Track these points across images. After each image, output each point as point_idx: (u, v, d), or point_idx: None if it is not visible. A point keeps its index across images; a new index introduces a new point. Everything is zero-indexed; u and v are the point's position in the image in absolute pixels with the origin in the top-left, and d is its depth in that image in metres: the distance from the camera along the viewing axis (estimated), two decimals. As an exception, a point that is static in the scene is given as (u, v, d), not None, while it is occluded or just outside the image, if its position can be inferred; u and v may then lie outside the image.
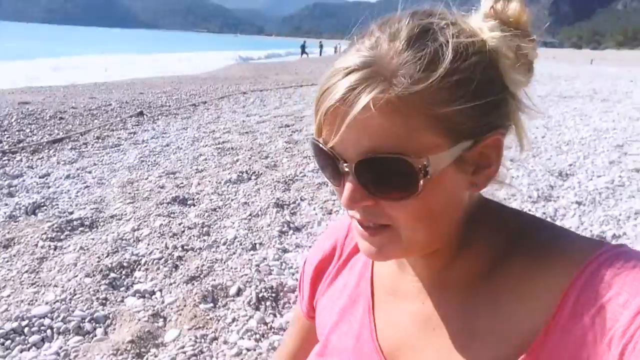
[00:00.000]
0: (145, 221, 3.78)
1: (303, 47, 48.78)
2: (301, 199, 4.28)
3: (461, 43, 0.60)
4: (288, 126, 8.10)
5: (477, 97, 0.59)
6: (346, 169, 0.62)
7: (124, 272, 3.01)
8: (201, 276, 2.96)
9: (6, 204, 4.40)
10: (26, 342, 2.37)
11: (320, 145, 0.64)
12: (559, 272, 0.61)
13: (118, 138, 7.44)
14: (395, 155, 0.58)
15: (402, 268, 0.77)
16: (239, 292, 2.78)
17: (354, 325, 0.82)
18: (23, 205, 4.28)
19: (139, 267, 3.08)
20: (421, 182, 0.59)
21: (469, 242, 0.70)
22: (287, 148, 6.31)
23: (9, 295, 2.76)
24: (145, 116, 9.23)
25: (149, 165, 5.69)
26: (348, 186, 0.62)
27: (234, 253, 3.28)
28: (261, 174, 5.11)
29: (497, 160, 0.64)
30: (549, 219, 4.05)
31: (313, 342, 0.97)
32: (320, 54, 52.41)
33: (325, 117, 0.61)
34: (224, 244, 3.40)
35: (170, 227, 3.64)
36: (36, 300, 2.67)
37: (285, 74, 21.75)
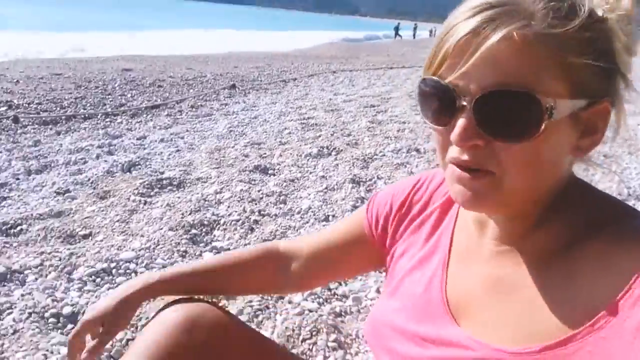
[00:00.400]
0: (227, 185, 3.99)
1: (397, 29, 48.09)
2: (378, 177, 4.34)
3: (593, 8, 0.63)
4: (373, 106, 8.13)
5: (602, 59, 0.62)
6: (464, 104, 0.62)
7: (204, 230, 3.22)
8: (274, 240, 3.12)
9: (105, 161, 4.79)
10: (113, 281, 2.62)
11: (437, 80, 0.65)
12: (635, 260, 0.60)
13: (210, 108, 7.78)
14: (525, 90, 0.59)
15: (483, 231, 0.78)
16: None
17: (426, 274, 0.85)
18: (120, 163, 4.63)
19: (218, 226, 3.28)
20: (544, 124, 0.60)
21: (553, 214, 0.71)
22: (369, 127, 6.37)
23: (101, 240, 3.04)
24: (237, 89, 9.56)
25: (236, 135, 5.94)
26: (462, 122, 0.62)
27: (307, 222, 3.40)
28: (341, 150, 5.21)
29: (603, 129, 0.66)
30: None
31: (356, 253, 1.05)
32: (414, 37, 51.48)
33: (452, 51, 0.62)
34: (299, 212, 3.54)
35: (250, 193, 3.83)
36: (124, 247, 2.93)
37: (377, 55, 21.62)
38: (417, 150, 5.25)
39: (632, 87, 0.68)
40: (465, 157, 0.65)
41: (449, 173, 0.69)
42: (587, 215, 0.69)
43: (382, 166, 4.69)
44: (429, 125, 0.70)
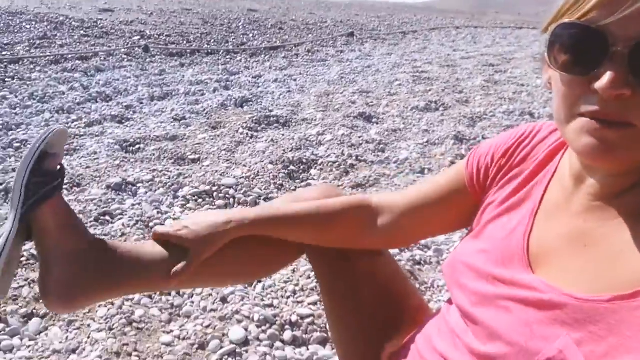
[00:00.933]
0: (330, 129, 4.08)
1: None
2: (483, 137, 4.22)
3: None
4: (492, 66, 7.79)
5: None
6: (619, 49, 0.59)
7: (302, 167, 3.35)
8: (366, 185, 3.18)
9: (221, 95, 5.05)
10: (213, 204, 2.82)
11: (585, 24, 0.62)
12: None
13: (326, 54, 7.87)
14: None
15: (578, 186, 0.76)
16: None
17: (513, 221, 0.84)
18: (234, 98, 4.87)
19: (315, 165, 3.39)
20: None
21: None
22: (484, 87, 6.14)
23: (208, 165, 3.27)
24: (355, 37, 9.55)
25: (346, 82, 5.99)
26: (614, 71, 0.59)
27: (402, 172, 3.42)
28: (450, 106, 5.09)
29: None
30: None
31: (455, 200, 1.00)
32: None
33: None
34: (395, 162, 3.56)
35: (351, 138, 3.89)
36: (227, 174, 3.13)
37: (507, 14, 20.43)
38: (531, 115, 5.01)
39: None
40: (607, 107, 0.61)
41: (578, 125, 0.65)
42: None
43: (489, 126, 4.54)
44: (562, 75, 0.67)
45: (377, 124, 4.42)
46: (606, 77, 0.59)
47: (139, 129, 3.97)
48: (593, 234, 0.70)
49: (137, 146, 3.56)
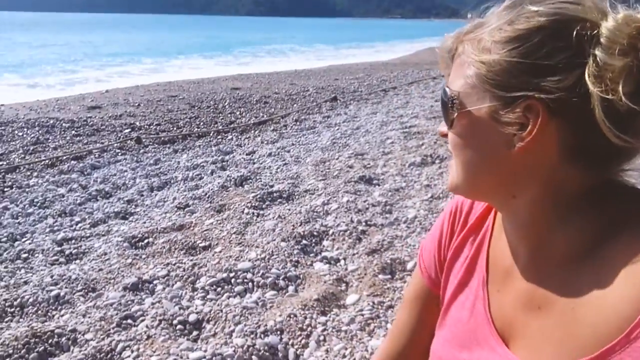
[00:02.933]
0: (334, 197, 4.11)
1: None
2: (485, 184, 4.26)
3: (535, 10, 0.65)
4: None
5: (525, 56, 0.66)
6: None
7: (314, 240, 3.34)
8: (381, 250, 3.17)
9: (219, 176, 5.09)
10: (232, 290, 2.79)
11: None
12: None
13: (314, 121, 8.00)
14: (445, 87, 0.75)
15: (514, 245, 0.78)
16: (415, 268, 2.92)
17: (469, 297, 0.85)
18: (233, 178, 4.90)
19: (327, 236, 3.39)
20: (450, 113, 0.73)
21: (567, 217, 0.69)
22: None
23: (220, 251, 3.25)
24: (338, 101, 9.75)
25: (339, 147, 6.07)
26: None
27: (413, 232, 3.42)
28: (445, 158, 5.16)
29: (533, 127, 0.65)
30: None
31: (434, 315, 0.99)
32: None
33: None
34: (405, 222, 3.57)
35: (356, 204, 3.91)
36: (241, 257, 3.11)
37: (479, 58, 21.04)
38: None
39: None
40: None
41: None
42: (614, 212, 0.67)
43: (489, 173, 4.59)
44: None
45: (379, 185, 4.45)
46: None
47: (144, 222, 3.96)
48: (539, 294, 0.71)
49: (146, 241, 3.55)
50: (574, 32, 0.63)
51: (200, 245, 3.40)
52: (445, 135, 0.78)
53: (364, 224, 3.53)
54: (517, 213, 0.74)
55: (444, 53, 0.77)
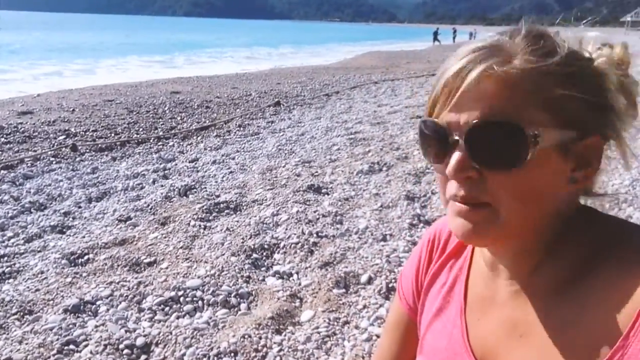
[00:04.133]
0: (283, 207, 4.03)
1: (436, 34, 47.63)
2: (432, 193, 4.30)
3: (576, 48, 0.70)
4: (419, 117, 7.97)
5: (586, 93, 0.66)
6: (456, 138, 0.66)
7: (264, 254, 3.26)
8: (334, 262, 3.12)
9: (162, 186, 4.91)
10: (181, 310, 2.67)
11: (432, 120, 0.70)
12: None
13: (257, 127, 7.89)
14: (509, 121, 0.63)
15: (495, 272, 0.79)
16: (369, 281, 2.90)
17: (447, 326, 0.86)
18: (176, 187, 4.74)
19: (278, 249, 3.31)
20: (530, 151, 0.63)
21: (560, 244, 0.71)
22: (418, 140, 6.32)
23: (167, 267, 3.12)
24: (282, 106, 9.67)
25: (285, 154, 6.00)
26: (455, 155, 0.66)
27: (365, 242, 3.40)
28: (392, 165, 5.19)
29: (597, 162, 0.69)
30: None
31: (414, 341, 1.00)
32: (454, 41, 50.87)
33: (441, 91, 0.69)
34: (356, 233, 3.54)
35: (306, 214, 3.85)
36: (190, 274, 2.99)
37: (417, 63, 21.49)
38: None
39: (629, 127, 0.71)
40: (461, 191, 0.67)
41: (451, 209, 0.71)
42: (593, 242, 0.69)
43: (434, 180, 4.64)
44: (433, 165, 0.74)
45: (328, 194, 4.42)
46: (451, 163, 0.67)
47: (84, 237, 3.75)
48: (522, 322, 0.72)
49: (86, 257, 3.35)
50: (599, 73, 0.69)
51: (145, 261, 3.24)
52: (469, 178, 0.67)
53: (315, 235, 3.48)
54: (516, 247, 0.73)
55: (463, 82, 0.66)
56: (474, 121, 0.64)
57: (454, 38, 52.92)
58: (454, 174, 0.67)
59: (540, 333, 0.69)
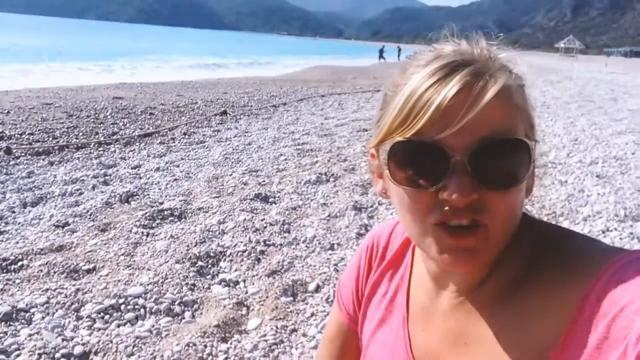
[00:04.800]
0: (230, 215, 3.97)
1: (381, 51, 48.59)
2: (379, 203, 4.34)
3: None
4: (366, 130, 8.17)
5: (533, 108, 0.69)
6: (458, 159, 0.62)
7: (210, 262, 3.19)
8: (282, 271, 3.09)
9: (102, 192, 4.74)
10: (122, 318, 2.57)
11: (422, 140, 0.63)
12: (579, 281, 0.61)
13: (203, 135, 7.77)
14: (513, 137, 0.63)
15: (440, 284, 0.78)
16: (317, 289, 2.88)
17: (389, 337, 0.85)
18: (118, 194, 4.59)
19: (224, 257, 3.25)
20: (532, 165, 0.65)
21: (504, 254, 0.70)
22: (365, 152, 6.38)
23: (107, 275, 3.00)
24: (228, 115, 9.57)
25: (232, 162, 5.93)
26: (459, 179, 0.62)
27: (313, 251, 3.38)
28: (339, 176, 5.21)
29: (534, 168, 0.70)
30: (636, 240, 3.90)
31: (354, 353, 0.99)
32: (399, 59, 52.00)
33: (442, 110, 0.61)
34: (304, 242, 3.52)
35: (253, 223, 3.80)
36: (131, 281, 2.88)
37: (363, 78, 21.81)
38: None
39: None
40: (459, 213, 0.63)
41: (436, 238, 0.66)
42: (533, 249, 0.69)
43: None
44: (406, 190, 0.67)
45: (275, 203, 4.38)
46: (455, 187, 0.61)
47: (17, 242, 3.56)
48: (467, 333, 0.72)
49: (20, 263, 3.18)
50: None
51: (83, 268, 3.10)
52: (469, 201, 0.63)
53: (262, 243, 3.44)
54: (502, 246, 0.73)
55: (463, 103, 0.62)
56: (480, 140, 0.61)
57: (398, 56, 54.04)
58: (460, 197, 0.61)
59: (485, 339, 0.69)
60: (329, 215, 4.00)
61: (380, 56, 47.78)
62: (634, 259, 0.60)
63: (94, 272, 3.07)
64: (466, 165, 0.62)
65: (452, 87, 0.61)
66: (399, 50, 56.55)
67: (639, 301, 0.54)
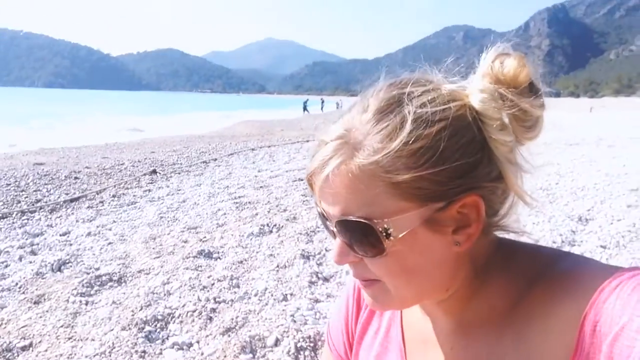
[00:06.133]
0: (174, 275, 3.79)
1: (305, 104, 49.67)
2: (326, 250, 4.30)
3: (426, 112, 0.62)
4: (301, 180, 8.18)
5: (442, 162, 0.60)
6: (332, 228, 0.67)
7: (159, 325, 3.00)
8: (237, 327, 2.95)
9: (30, 262, 4.42)
10: (68, 397, 2.34)
11: (316, 204, 0.71)
12: (576, 300, 0.60)
13: (134, 196, 7.51)
14: (359, 219, 0.62)
15: (428, 313, 0.79)
16: (277, 343, 2.76)
17: None
18: (48, 263, 4.29)
19: (173, 319, 3.07)
20: (385, 243, 0.63)
21: (486, 283, 0.70)
22: (304, 201, 6.36)
23: (46, 350, 2.75)
24: (158, 174, 9.34)
25: (168, 221, 5.72)
26: (336, 243, 0.68)
27: (267, 304, 3.26)
28: (282, 226, 5.14)
29: (478, 220, 0.64)
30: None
31: None
32: (322, 110, 53.26)
33: (312, 182, 0.68)
34: (255, 295, 3.40)
35: (200, 280, 3.64)
36: (75, 354, 2.65)
37: (291, 130, 22.07)
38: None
39: (515, 164, 0.66)
40: (353, 272, 0.70)
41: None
42: (520, 272, 0.69)
43: (326, 238, 4.65)
44: None
45: (220, 258, 4.23)
46: (333, 251, 0.68)
47: (-63, 325, 3.22)
48: (466, 357, 0.72)
49: (-58, 348, 2.87)
50: (468, 122, 0.63)
51: (18, 345, 2.83)
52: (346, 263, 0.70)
53: (212, 301, 3.28)
54: (436, 299, 0.73)
55: (319, 180, 0.65)
56: (336, 216, 0.65)
57: (322, 107, 55.41)
58: (336, 260, 0.68)
59: None
60: (277, 266, 3.91)
61: (305, 108, 48.78)
62: (630, 276, 0.59)
63: (31, 348, 2.80)
64: (338, 234, 0.67)
65: (312, 163, 0.66)
66: (322, 101, 58.07)
67: (639, 319, 0.54)
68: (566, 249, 4.42)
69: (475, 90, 0.64)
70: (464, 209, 0.64)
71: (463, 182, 0.62)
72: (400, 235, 0.62)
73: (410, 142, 0.60)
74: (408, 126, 0.61)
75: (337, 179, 0.62)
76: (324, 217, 0.69)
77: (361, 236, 0.63)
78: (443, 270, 0.68)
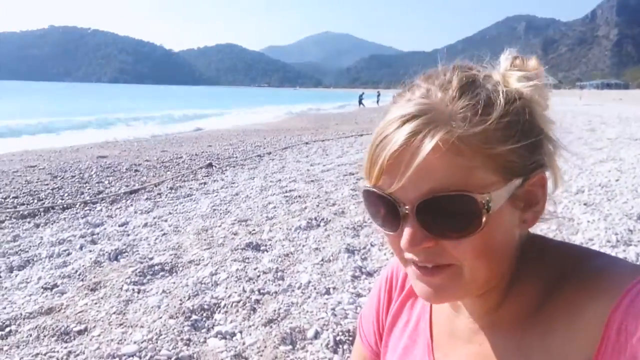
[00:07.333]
0: (222, 266, 3.91)
1: (361, 97, 49.47)
2: (371, 245, 4.32)
3: (508, 90, 0.67)
4: (352, 174, 8.21)
5: (525, 137, 0.65)
6: (407, 212, 0.64)
7: (204, 315, 3.12)
8: (279, 319, 3.03)
9: (91, 251, 4.66)
10: (117, 379, 2.48)
11: (378, 192, 0.67)
12: (603, 299, 0.61)
13: (190, 188, 7.74)
14: (459, 193, 0.62)
15: (457, 310, 0.80)
16: (316, 335, 2.82)
17: None
18: (106, 252, 4.51)
19: (218, 309, 3.18)
20: (484, 217, 0.62)
21: (519, 278, 0.71)
22: (353, 195, 6.39)
23: (99, 335, 2.91)
24: (214, 167, 9.58)
25: (221, 214, 5.89)
26: (408, 229, 0.65)
27: (309, 297, 3.33)
28: (330, 220, 5.19)
29: (544, 198, 0.69)
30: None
31: None
32: (378, 103, 52.85)
33: (386, 165, 0.64)
34: (299, 288, 3.47)
35: (246, 272, 3.75)
36: (125, 340, 2.80)
37: (345, 124, 22.07)
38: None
39: (560, 146, 0.71)
40: (421, 258, 0.67)
41: (410, 272, 0.71)
42: (550, 269, 0.70)
43: (372, 233, 4.67)
44: (382, 230, 0.72)
45: (267, 251, 4.33)
46: (404, 237, 0.65)
47: (4, 307, 3.46)
48: (492, 355, 0.72)
49: (8, 329, 3.08)
50: (528, 109, 0.67)
51: (74, 329, 3.01)
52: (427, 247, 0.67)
53: (257, 292, 3.38)
54: (479, 292, 0.73)
55: (404, 158, 0.63)
56: (424, 195, 0.63)
57: (377, 101, 54.99)
58: (408, 247, 0.66)
59: None
60: (322, 260, 3.96)
61: (360, 102, 48.59)
62: None
63: (86, 332, 2.98)
64: (414, 217, 0.64)
65: (394, 143, 0.63)
66: (378, 95, 57.58)
67: None
68: (621, 248, 4.26)
69: (514, 80, 0.69)
70: (533, 187, 0.67)
71: (537, 159, 0.67)
72: (496, 211, 0.63)
73: (504, 115, 0.64)
74: (501, 100, 0.65)
75: (430, 152, 0.61)
76: (390, 203, 0.66)
77: (456, 213, 0.62)
78: (510, 253, 0.70)
